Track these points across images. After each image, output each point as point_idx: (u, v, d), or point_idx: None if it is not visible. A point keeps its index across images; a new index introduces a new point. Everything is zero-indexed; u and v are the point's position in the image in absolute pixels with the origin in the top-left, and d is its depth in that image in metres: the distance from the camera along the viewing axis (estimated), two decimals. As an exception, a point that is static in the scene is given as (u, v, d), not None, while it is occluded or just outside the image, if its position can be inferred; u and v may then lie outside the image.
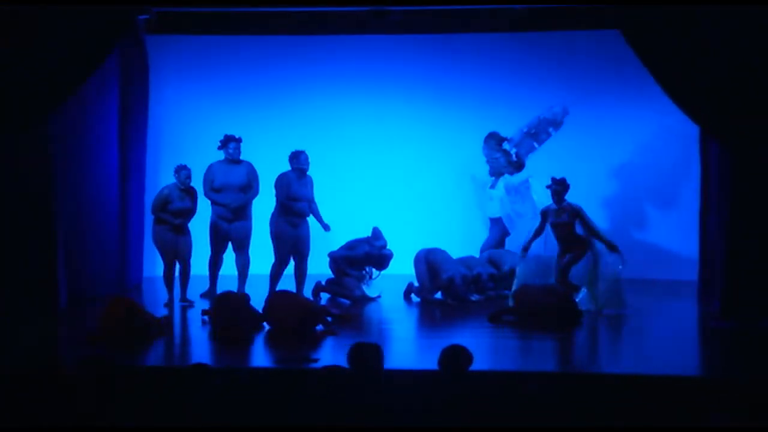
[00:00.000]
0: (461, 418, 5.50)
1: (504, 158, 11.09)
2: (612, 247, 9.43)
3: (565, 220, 9.49)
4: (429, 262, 10.19)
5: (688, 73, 8.33)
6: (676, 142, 11.21)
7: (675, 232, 11.45)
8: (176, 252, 9.80)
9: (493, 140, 11.13)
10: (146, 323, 8.25)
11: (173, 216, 9.74)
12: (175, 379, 6.11)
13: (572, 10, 10.75)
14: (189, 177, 9.77)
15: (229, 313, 8.53)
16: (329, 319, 8.71)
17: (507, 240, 11.22)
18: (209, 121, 11.20)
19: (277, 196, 10.03)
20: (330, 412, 5.47)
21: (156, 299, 10.02)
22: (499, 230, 11.19)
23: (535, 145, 11.17)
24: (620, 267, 9.39)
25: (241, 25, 11.22)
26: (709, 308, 9.20)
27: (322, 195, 10.57)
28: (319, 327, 8.53)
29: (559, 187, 9.52)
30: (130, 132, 10.60)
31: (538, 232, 9.74)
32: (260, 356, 8.24)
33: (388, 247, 10.43)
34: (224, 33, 11.41)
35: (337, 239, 10.52)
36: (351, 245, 10.41)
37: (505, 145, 11.09)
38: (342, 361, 6.02)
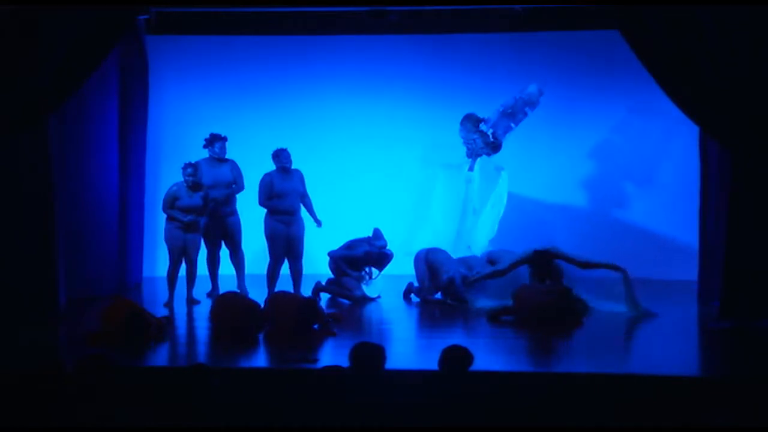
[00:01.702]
0: (461, 418, 5.50)
1: (481, 139, 11.02)
2: (612, 267, 9.43)
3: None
4: (429, 262, 10.18)
5: (687, 73, 8.32)
6: (676, 143, 11.22)
7: (674, 232, 11.45)
8: (185, 250, 9.83)
9: (470, 122, 11.06)
10: (147, 324, 8.24)
11: (183, 213, 9.78)
12: (175, 379, 6.11)
13: (572, 10, 10.76)
14: (192, 175, 9.79)
15: (231, 313, 8.53)
16: (329, 320, 8.70)
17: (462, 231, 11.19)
18: (209, 121, 11.18)
19: (258, 198, 10.05)
20: (330, 412, 5.47)
21: (156, 299, 10.02)
22: None
23: (512, 125, 11.11)
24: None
25: (241, 25, 11.22)
26: (708, 308, 9.20)
27: (321, 195, 10.57)
28: (316, 326, 8.53)
29: (543, 262, 9.47)
30: (130, 132, 10.61)
31: (499, 274, 9.70)
32: (260, 356, 8.25)
33: (388, 247, 10.42)
34: (224, 33, 11.41)
35: (338, 239, 10.52)
36: (350, 245, 10.41)
37: (482, 126, 11.06)
38: (342, 361, 6.02)
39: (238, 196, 10.35)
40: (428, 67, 11.81)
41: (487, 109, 11.14)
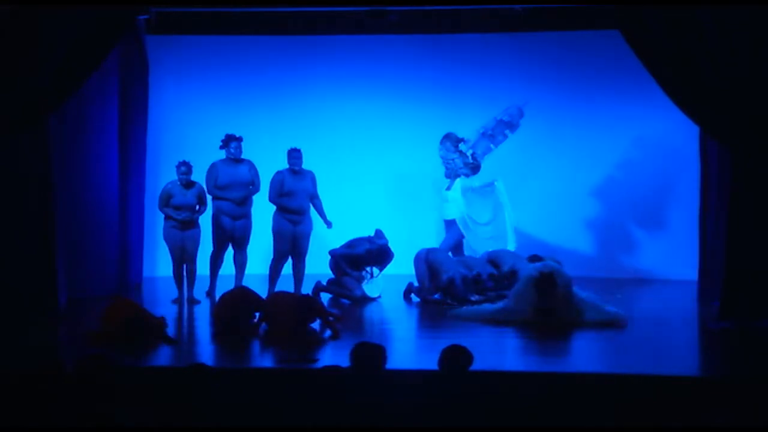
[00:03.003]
0: (461, 418, 5.50)
1: (461, 159, 10.99)
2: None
3: None
4: (429, 262, 10.18)
5: (687, 73, 8.33)
6: (677, 140, 11.21)
7: (675, 232, 11.45)
8: (183, 249, 9.86)
9: (450, 141, 11.02)
10: (147, 324, 8.23)
11: (176, 211, 9.80)
12: (174, 379, 6.11)
13: (572, 10, 10.76)
14: (185, 173, 9.86)
15: (233, 313, 8.53)
16: (330, 318, 8.68)
17: (464, 242, 11.16)
18: (209, 121, 11.21)
19: (269, 195, 10.08)
20: (330, 412, 5.47)
21: (156, 299, 10.04)
22: (454, 233, 11.09)
23: (492, 146, 11.11)
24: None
25: (241, 25, 11.22)
26: (708, 308, 9.20)
27: (322, 195, 10.57)
28: (319, 322, 8.52)
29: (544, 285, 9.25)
30: (130, 132, 10.61)
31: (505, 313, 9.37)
32: (260, 356, 8.24)
33: (389, 247, 10.43)
34: (224, 33, 11.41)
35: (340, 239, 10.53)
36: (351, 244, 10.42)
37: (462, 146, 11.03)
38: (342, 361, 6.02)
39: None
40: (428, 67, 11.82)
41: (488, 108, 11.15)
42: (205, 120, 11.34)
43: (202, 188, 10.01)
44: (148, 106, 11.06)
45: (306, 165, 10.32)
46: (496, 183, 11.06)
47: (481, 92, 11.61)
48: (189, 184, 9.90)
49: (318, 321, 8.59)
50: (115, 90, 10.19)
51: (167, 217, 9.92)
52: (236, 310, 8.52)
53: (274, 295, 9.06)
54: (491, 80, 11.67)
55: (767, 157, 8.41)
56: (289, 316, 8.44)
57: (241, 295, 8.82)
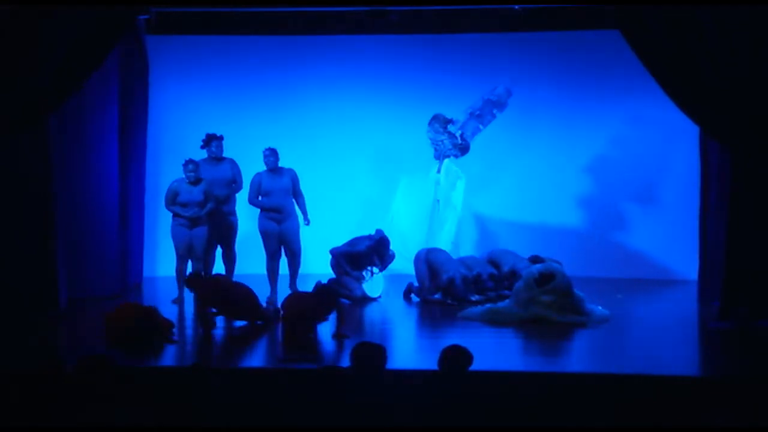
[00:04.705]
0: (461, 418, 5.50)
1: (449, 140, 10.96)
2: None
3: None
4: (429, 262, 10.19)
5: (687, 73, 8.33)
6: (676, 141, 11.21)
7: (675, 232, 11.45)
8: (191, 248, 9.89)
9: (438, 122, 10.97)
10: (156, 325, 8.20)
11: (183, 208, 9.83)
12: (174, 379, 6.11)
13: (572, 10, 10.76)
14: (192, 171, 9.87)
15: (216, 294, 8.57)
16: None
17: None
18: (209, 121, 11.19)
19: (248, 196, 10.14)
20: (330, 412, 5.47)
21: (156, 299, 10.02)
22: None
23: (480, 126, 11.07)
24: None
25: (241, 25, 11.22)
26: (709, 308, 9.20)
27: (321, 196, 10.57)
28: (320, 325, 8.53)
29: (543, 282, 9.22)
30: (130, 132, 10.61)
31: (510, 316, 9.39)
32: (260, 356, 8.24)
33: (390, 248, 10.42)
34: (224, 33, 11.41)
35: (339, 239, 10.52)
36: (352, 242, 10.42)
37: (450, 128, 11.00)
38: (342, 361, 6.02)
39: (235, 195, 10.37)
40: (428, 67, 11.81)
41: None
42: (206, 120, 11.32)
43: (208, 185, 10.03)
44: (148, 106, 11.06)
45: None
46: (458, 181, 11.03)
47: (481, 92, 11.59)
48: (196, 181, 9.92)
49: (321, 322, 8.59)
50: (115, 90, 10.19)
51: (175, 215, 9.93)
52: (216, 300, 8.56)
53: (290, 298, 8.91)
54: (491, 80, 11.63)
55: (767, 157, 8.41)
56: (311, 313, 8.35)
57: (221, 282, 8.88)
